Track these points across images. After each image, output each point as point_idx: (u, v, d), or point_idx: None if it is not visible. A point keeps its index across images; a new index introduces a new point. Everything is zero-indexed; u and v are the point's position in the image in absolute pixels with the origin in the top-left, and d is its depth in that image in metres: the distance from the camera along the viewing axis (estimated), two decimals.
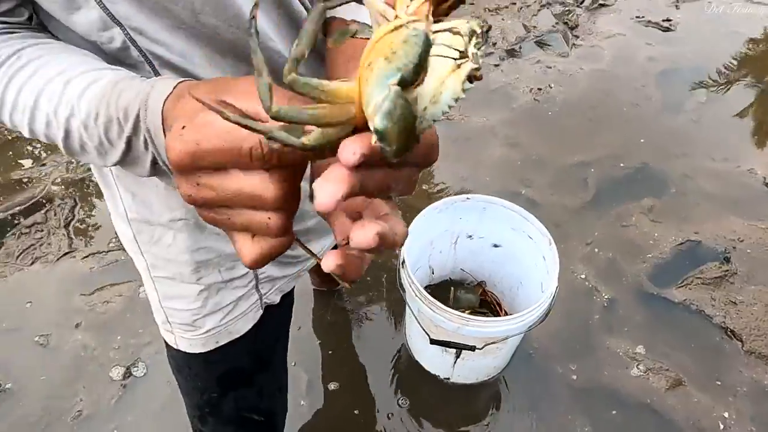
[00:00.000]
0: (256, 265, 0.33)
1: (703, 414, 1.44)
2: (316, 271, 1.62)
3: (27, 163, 2.08)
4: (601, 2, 2.99)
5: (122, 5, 0.44)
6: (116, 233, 1.82)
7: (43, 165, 2.06)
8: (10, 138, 2.16)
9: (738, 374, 1.52)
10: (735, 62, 2.64)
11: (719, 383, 1.50)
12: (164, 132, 0.37)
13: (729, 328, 1.61)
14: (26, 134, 0.46)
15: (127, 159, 0.42)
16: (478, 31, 0.28)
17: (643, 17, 2.90)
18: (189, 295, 0.72)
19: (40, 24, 0.49)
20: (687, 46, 2.72)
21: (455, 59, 0.27)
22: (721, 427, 1.42)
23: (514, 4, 2.98)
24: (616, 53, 2.67)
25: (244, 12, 0.48)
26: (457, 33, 0.28)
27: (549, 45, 2.71)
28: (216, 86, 0.33)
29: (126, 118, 0.39)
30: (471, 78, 0.27)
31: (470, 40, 0.27)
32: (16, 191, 1.97)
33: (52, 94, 0.42)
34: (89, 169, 2.05)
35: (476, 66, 0.27)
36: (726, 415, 1.44)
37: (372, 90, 0.25)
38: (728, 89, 2.49)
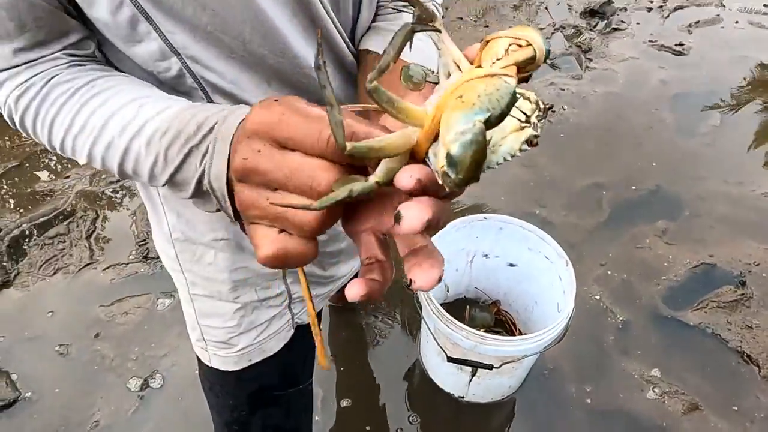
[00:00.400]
0: (272, 261, 0.31)
1: None
2: None
3: (50, 176, 2.14)
4: (614, 26, 3.04)
5: (180, 36, 0.47)
6: (137, 246, 1.86)
7: (67, 178, 2.12)
8: (34, 151, 2.22)
9: (755, 400, 1.51)
10: (748, 87, 2.66)
11: (736, 408, 1.49)
12: (229, 155, 0.36)
13: (745, 352, 1.60)
14: (82, 160, 0.47)
15: (174, 179, 0.42)
16: (542, 106, 0.32)
17: (656, 41, 2.93)
18: (225, 313, 0.74)
19: (104, 56, 0.53)
20: (700, 70, 2.75)
21: (521, 121, 0.31)
22: None
23: (528, 27, 3.03)
24: (629, 76, 2.70)
25: (290, 42, 0.52)
26: (527, 99, 0.31)
27: (562, 68, 2.75)
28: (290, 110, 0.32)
29: (198, 130, 0.39)
30: (529, 142, 0.31)
31: (536, 109, 0.31)
32: (40, 203, 2.02)
33: (124, 117, 0.44)
34: (111, 182, 2.10)
35: (536, 134, 0.31)
36: None
37: (456, 119, 0.27)
38: (742, 113, 2.51)
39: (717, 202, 2.07)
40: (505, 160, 0.31)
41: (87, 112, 0.45)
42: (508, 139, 0.30)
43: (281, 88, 0.56)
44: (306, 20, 0.52)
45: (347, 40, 0.57)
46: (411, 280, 0.31)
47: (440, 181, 0.28)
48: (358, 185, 0.30)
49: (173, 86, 0.51)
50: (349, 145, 0.28)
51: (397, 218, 0.29)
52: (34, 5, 0.45)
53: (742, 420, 1.47)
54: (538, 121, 0.31)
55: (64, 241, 1.89)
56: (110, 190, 2.07)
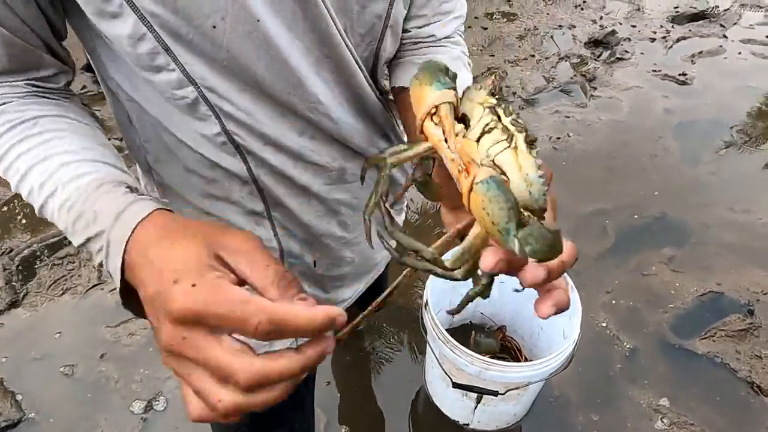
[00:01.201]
0: (199, 421, 0.35)
1: None
2: None
3: None
4: (618, 56, 3.09)
5: (198, 67, 0.49)
6: None
7: None
8: None
9: (766, 431, 1.48)
10: (752, 116, 2.68)
11: None
12: (125, 252, 0.37)
13: (755, 383, 1.58)
14: (12, 189, 0.49)
15: (85, 249, 0.44)
16: (494, 99, 0.34)
17: (659, 71, 2.97)
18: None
19: (70, 92, 0.54)
20: (703, 99, 2.78)
21: (507, 141, 0.33)
22: None
23: (533, 56, 3.09)
24: (634, 105, 2.74)
25: (303, 79, 0.53)
26: (491, 129, 0.34)
27: (567, 96, 2.79)
28: (209, 239, 0.35)
29: (94, 222, 0.41)
30: (531, 143, 0.33)
31: (500, 116, 0.34)
32: (50, 224, 2.03)
33: (44, 171, 0.45)
34: None
35: (522, 133, 0.32)
36: None
37: (506, 244, 0.31)
38: (745, 141, 2.52)
39: (723, 230, 2.06)
40: (542, 178, 0.33)
41: (17, 152, 0.46)
42: (522, 165, 0.33)
43: (295, 120, 0.57)
44: (320, 54, 0.53)
45: (366, 73, 0.58)
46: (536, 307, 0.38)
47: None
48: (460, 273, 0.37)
49: (188, 113, 0.53)
50: (458, 274, 0.36)
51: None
52: (12, 44, 0.47)
53: None
54: (505, 109, 0.34)
55: (74, 262, 1.91)
56: None
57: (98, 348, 1.66)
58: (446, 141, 0.35)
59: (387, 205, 0.41)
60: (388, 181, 0.41)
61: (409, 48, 0.65)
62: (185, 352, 0.32)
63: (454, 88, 0.37)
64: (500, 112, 0.34)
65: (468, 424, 1.47)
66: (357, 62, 0.56)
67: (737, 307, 1.78)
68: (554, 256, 0.32)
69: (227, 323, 0.31)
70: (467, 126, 0.36)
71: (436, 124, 0.36)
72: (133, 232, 0.38)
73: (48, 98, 0.51)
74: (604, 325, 1.74)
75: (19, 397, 1.54)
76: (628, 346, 1.68)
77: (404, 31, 0.63)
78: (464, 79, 0.65)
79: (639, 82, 2.89)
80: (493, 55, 3.08)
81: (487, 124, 0.34)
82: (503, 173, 0.33)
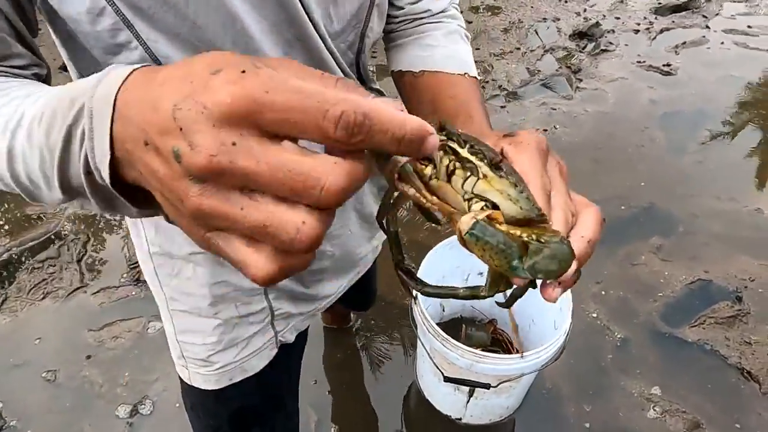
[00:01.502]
0: (272, 281, 0.26)
1: None
2: (328, 308, 1.62)
3: None
4: (602, 48, 3.09)
5: (163, 45, 0.46)
6: (128, 268, 1.84)
7: None
8: None
9: (758, 417, 1.48)
10: (735, 105, 2.70)
11: (738, 426, 1.46)
12: (113, 109, 0.27)
13: (745, 369, 1.58)
14: None
15: (67, 178, 0.33)
16: (443, 135, 0.35)
17: (644, 62, 2.98)
18: (205, 330, 0.72)
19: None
20: (687, 89, 2.79)
21: (474, 175, 0.34)
22: None
23: (518, 49, 3.08)
24: (619, 96, 2.74)
25: (268, 55, 0.50)
26: (454, 169, 0.34)
27: (553, 88, 2.79)
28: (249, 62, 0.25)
29: (72, 104, 0.30)
30: (496, 165, 0.34)
31: (456, 150, 0.34)
32: (31, 227, 1.99)
33: (6, 114, 0.36)
34: None
35: (483, 160, 0.34)
36: None
37: (519, 278, 0.33)
38: (730, 131, 2.54)
39: (710, 219, 2.07)
40: (523, 192, 0.34)
41: None
42: (504, 191, 0.34)
43: None
44: (289, 36, 0.51)
45: (341, 60, 0.56)
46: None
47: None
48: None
49: None
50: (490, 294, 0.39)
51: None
52: None
53: None
54: (469, 150, 0.34)
55: (54, 265, 1.86)
56: (101, 214, 2.06)
57: (81, 352, 1.62)
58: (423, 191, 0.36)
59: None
60: (396, 236, 0.43)
61: (406, 27, 0.63)
62: (237, 164, 0.23)
63: None
64: (455, 146, 0.34)
65: (461, 419, 1.45)
66: (329, 48, 0.54)
67: (726, 295, 1.78)
68: (568, 265, 0.32)
69: (297, 117, 0.23)
70: (435, 165, 0.36)
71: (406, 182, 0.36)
72: (125, 80, 0.28)
73: (18, 78, 0.47)
74: (594, 315, 1.73)
75: None
76: (618, 336, 1.67)
77: (398, 8, 0.62)
78: (461, 52, 0.64)
79: (624, 74, 2.90)
80: (478, 49, 3.07)
81: (448, 166, 0.34)
82: (487, 200, 0.34)
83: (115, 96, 0.27)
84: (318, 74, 0.26)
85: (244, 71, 0.23)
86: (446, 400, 1.43)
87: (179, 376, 0.81)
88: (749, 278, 1.84)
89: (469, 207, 0.34)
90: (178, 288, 0.70)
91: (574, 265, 0.33)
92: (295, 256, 0.25)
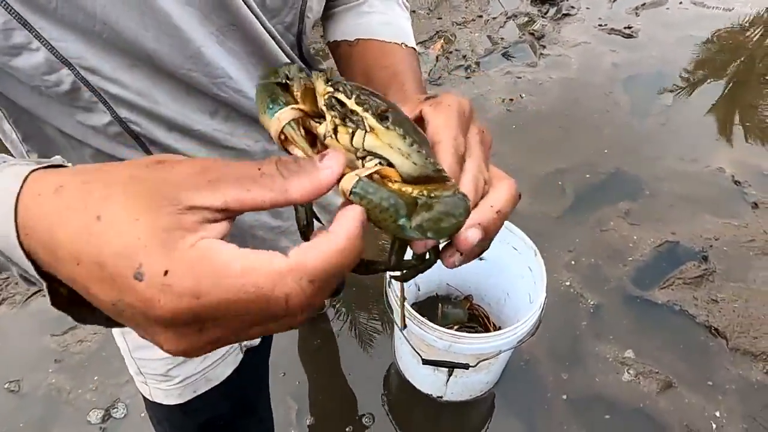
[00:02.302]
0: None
1: (696, 415, 1.45)
2: None
3: None
4: (564, 12, 3.06)
5: (72, 45, 0.40)
6: None
7: None
8: None
9: (726, 372, 1.53)
10: (695, 66, 2.73)
11: (710, 383, 1.51)
12: (18, 236, 0.25)
13: (713, 326, 1.63)
14: None
15: None
16: (329, 87, 0.32)
17: (605, 25, 2.97)
18: None
19: None
20: (649, 51, 2.80)
21: (362, 128, 0.31)
22: (714, 426, 1.42)
23: (481, 17, 3.03)
24: (583, 61, 2.73)
25: (202, 51, 0.45)
26: (340, 124, 0.31)
27: (517, 56, 2.75)
28: (200, 172, 0.24)
29: None
30: (381, 115, 0.30)
31: (343, 101, 0.31)
32: None
33: None
34: None
35: (369, 111, 0.30)
36: (717, 414, 1.45)
37: (404, 234, 0.29)
38: (691, 91, 2.57)
39: (675, 181, 2.10)
40: (414, 144, 0.31)
41: None
42: (394, 145, 0.30)
43: (202, 99, 0.49)
44: (222, 22, 0.45)
45: (281, 41, 0.51)
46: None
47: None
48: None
49: (66, 103, 0.44)
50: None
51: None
52: None
53: (715, 393, 1.49)
54: (356, 100, 0.31)
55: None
56: None
57: (45, 359, 1.55)
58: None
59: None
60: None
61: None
62: (214, 336, 0.24)
63: (291, 87, 0.35)
64: (341, 97, 0.31)
65: (441, 397, 1.46)
66: (268, 30, 0.49)
67: (692, 255, 1.82)
68: (460, 223, 0.30)
69: (241, 309, 0.23)
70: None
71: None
72: (16, 212, 0.25)
73: None
74: (568, 284, 1.75)
75: None
76: (592, 303, 1.70)
77: None
78: (399, 19, 0.61)
79: (586, 38, 2.89)
80: (440, 18, 3.00)
81: (333, 120, 0.31)
82: (381, 157, 0.31)
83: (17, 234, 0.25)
84: (239, 173, 0.25)
85: (166, 272, 0.22)
86: (426, 380, 1.43)
87: (140, 393, 0.76)
88: (714, 237, 1.88)
89: (363, 165, 0.31)
90: None
91: (477, 232, 0.31)
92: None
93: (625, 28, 2.95)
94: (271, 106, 0.33)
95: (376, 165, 0.31)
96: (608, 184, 2.10)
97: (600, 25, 2.98)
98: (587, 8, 3.11)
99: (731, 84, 2.63)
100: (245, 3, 0.45)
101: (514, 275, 1.38)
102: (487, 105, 2.45)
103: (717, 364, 1.55)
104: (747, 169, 2.14)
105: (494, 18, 3.02)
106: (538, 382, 1.52)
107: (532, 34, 2.90)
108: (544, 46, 2.83)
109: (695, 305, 1.68)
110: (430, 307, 1.55)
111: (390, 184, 0.30)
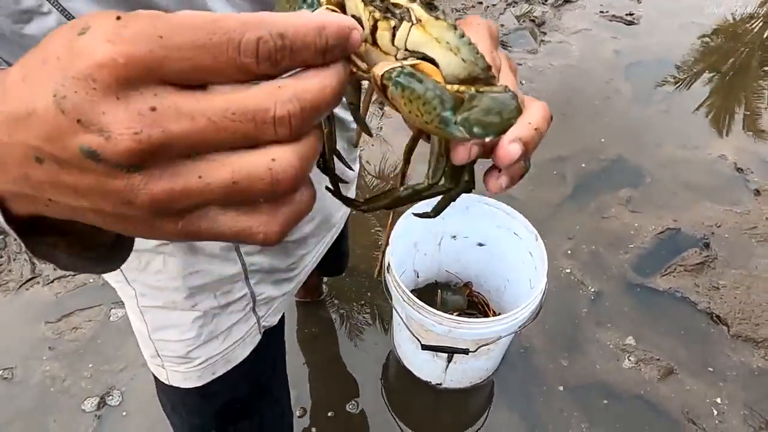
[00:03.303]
0: (282, 236, 0.23)
1: (697, 401, 1.44)
2: None
3: None
4: None
5: (82, 3, 0.38)
6: None
7: None
8: None
9: (727, 359, 1.52)
10: (697, 53, 2.70)
11: (711, 369, 1.50)
12: None
13: (714, 313, 1.61)
14: None
15: None
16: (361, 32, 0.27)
17: (607, 12, 2.94)
18: (183, 324, 0.66)
19: None
20: (650, 38, 2.77)
21: (407, 20, 0.27)
22: (715, 413, 1.41)
23: (481, 3, 2.99)
24: (584, 48, 2.70)
25: (210, 7, 0.44)
26: (382, 17, 0.27)
27: (517, 43, 2.72)
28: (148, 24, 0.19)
29: None
30: (429, 4, 0.27)
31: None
32: None
33: None
34: None
35: (415, 1, 0.27)
36: (718, 400, 1.44)
37: (451, 134, 0.26)
38: (693, 79, 2.54)
39: (676, 168, 2.08)
40: (463, 40, 0.28)
41: None
42: (442, 38, 0.27)
43: None
44: None
45: None
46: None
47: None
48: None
49: None
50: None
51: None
52: None
53: (715, 380, 1.48)
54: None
55: (1, 256, 1.74)
56: None
57: (39, 347, 1.53)
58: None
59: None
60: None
61: None
62: (170, 130, 0.19)
63: None
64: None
65: (441, 384, 1.44)
66: None
67: (694, 242, 1.81)
68: (510, 122, 0.27)
69: (207, 58, 0.19)
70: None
71: None
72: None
73: None
74: (568, 271, 1.73)
75: None
76: (592, 290, 1.68)
77: None
78: None
79: (587, 25, 2.85)
80: (439, 4, 2.96)
81: (372, 16, 0.27)
82: (425, 58, 0.27)
83: None
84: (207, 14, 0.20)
85: (118, 17, 0.18)
86: (425, 367, 1.41)
87: (154, 376, 0.74)
88: (715, 224, 1.86)
89: None
90: (148, 283, 0.63)
91: (518, 146, 0.28)
92: (287, 200, 0.22)
93: (626, 14, 2.91)
94: (301, 6, 0.29)
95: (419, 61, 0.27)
96: (609, 171, 2.08)
97: (601, 12, 2.94)
98: None
99: (732, 72, 2.60)
100: None
101: (515, 261, 1.36)
102: None
103: (718, 350, 1.54)
104: (749, 157, 2.12)
105: (494, 5, 2.98)
106: (537, 369, 1.51)
107: (533, 20, 2.86)
108: (544, 33, 2.79)
109: (696, 292, 1.67)
110: (429, 294, 1.54)
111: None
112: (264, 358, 0.79)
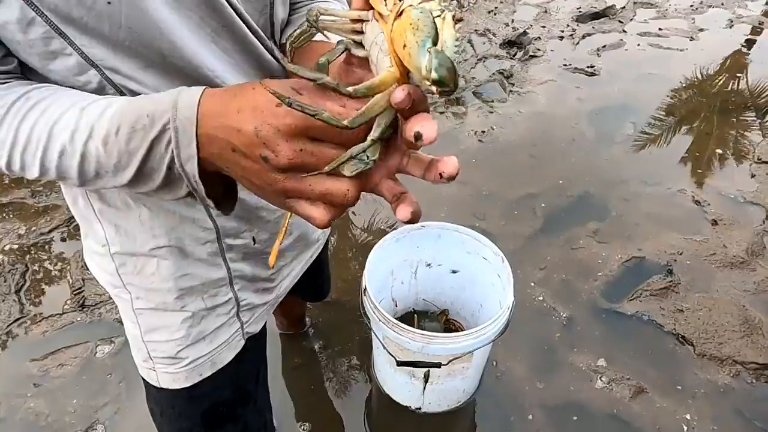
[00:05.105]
0: (329, 224, 0.41)
1: (668, 419, 1.49)
2: (283, 313, 1.62)
3: None
4: (531, 54, 3.27)
5: (98, 49, 0.47)
6: (72, 294, 1.78)
7: None
8: None
9: (694, 377, 1.59)
10: (653, 98, 2.92)
11: (680, 387, 1.56)
12: (197, 127, 0.41)
13: (680, 334, 1.69)
14: (34, 174, 0.47)
15: (143, 170, 0.44)
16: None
17: (570, 65, 3.18)
18: (172, 325, 0.73)
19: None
20: (611, 86, 2.99)
21: (438, 16, 0.37)
22: (685, 429, 1.46)
23: None
24: (550, 96, 2.90)
25: (206, 62, 0.53)
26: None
27: (488, 93, 2.92)
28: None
29: (153, 122, 0.42)
30: (457, 21, 0.37)
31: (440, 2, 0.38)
32: None
33: (68, 123, 0.45)
34: (42, 233, 2.01)
35: (453, 12, 0.38)
36: (688, 417, 1.49)
37: (417, 59, 0.34)
38: (652, 122, 2.73)
39: (639, 202, 2.22)
40: (457, 48, 0.36)
41: (28, 125, 0.45)
42: (445, 35, 0.36)
43: None
44: (216, 24, 0.52)
45: (265, 39, 0.58)
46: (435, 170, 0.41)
47: (437, 96, 0.36)
48: (357, 147, 0.39)
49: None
50: (349, 122, 0.38)
51: (418, 137, 0.36)
52: None
53: (685, 397, 1.54)
54: (448, 3, 0.38)
55: None
56: (41, 242, 1.99)
57: (24, 384, 1.55)
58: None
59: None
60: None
61: (302, 3, 0.66)
62: (305, 161, 0.39)
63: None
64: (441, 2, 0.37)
65: (420, 408, 1.48)
66: (252, 29, 0.56)
67: (658, 269, 1.91)
68: (452, 80, 0.34)
69: (328, 131, 0.39)
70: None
71: None
72: (198, 105, 0.42)
73: (13, 82, 0.49)
74: (540, 299, 1.81)
75: None
76: (564, 316, 1.76)
77: None
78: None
79: (552, 76, 3.08)
80: None
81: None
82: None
83: (197, 118, 0.42)
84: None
85: (290, 104, 0.37)
86: (404, 390, 1.46)
87: (145, 382, 0.80)
88: (678, 252, 1.97)
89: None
90: (143, 285, 0.70)
91: (404, 94, 0.36)
92: (341, 208, 0.41)
93: (587, 67, 3.15)
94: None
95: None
96: (577, 206, 2.20)
97: (564, 65, 3.18)
98: (552, 50, 3.33)
99: (687, 115, 2.81)
100: (233, 6, 0.52)
101: (486, 284, 1.44)
102: (461, 137, 2.58)
103: (685, 369, 1.61)
104: (706, 190, 2.27)
105: (466, 60, 3.21)
106: (514, 392, 1.56)
107: (502, 73, 3.09)
108: (513, 84, 3.01)
109: (662, 315, 1.75)
110: (408, 323, 1.59)
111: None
112: (247, 365, 0.85)
